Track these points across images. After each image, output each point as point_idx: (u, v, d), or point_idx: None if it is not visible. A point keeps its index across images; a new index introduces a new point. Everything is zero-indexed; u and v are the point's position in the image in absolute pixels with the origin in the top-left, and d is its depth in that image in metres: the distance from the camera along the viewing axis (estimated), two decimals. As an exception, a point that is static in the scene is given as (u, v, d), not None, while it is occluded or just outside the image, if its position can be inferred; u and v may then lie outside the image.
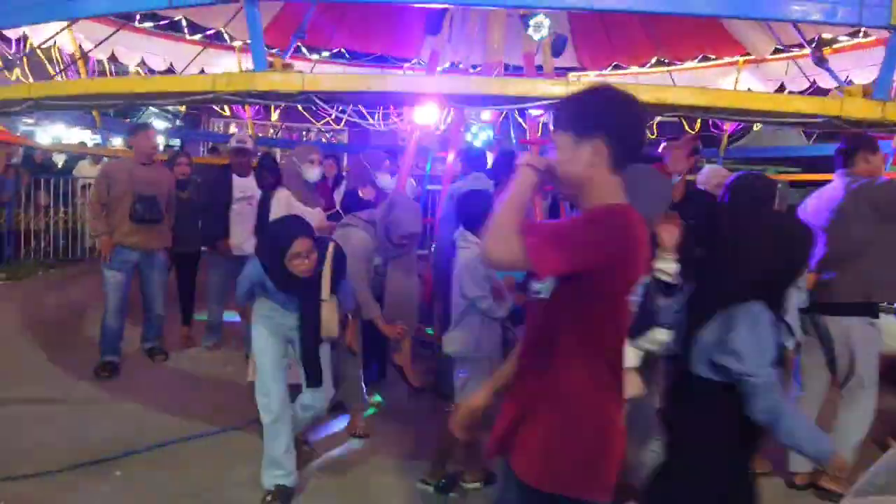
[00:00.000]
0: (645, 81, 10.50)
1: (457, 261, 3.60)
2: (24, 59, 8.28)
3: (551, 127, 1.88)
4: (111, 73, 9.26)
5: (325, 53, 10.30)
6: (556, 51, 6.67)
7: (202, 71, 8.98)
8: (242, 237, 5.64)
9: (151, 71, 8.97)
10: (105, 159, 8.72)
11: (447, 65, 9.92)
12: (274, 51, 9.53)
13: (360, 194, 5.53)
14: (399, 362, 4.40)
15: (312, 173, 5.25)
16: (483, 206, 3.47)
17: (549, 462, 1.74)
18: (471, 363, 3.52)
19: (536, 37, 6.28)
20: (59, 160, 12.23)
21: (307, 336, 3.40)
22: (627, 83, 10.33)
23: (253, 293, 3.56)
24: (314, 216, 4.87)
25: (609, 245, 1.64)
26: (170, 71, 9.05)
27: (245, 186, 5.74)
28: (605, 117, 1.71)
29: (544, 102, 3.49)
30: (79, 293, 7.96)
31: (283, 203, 5.03)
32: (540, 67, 6.74)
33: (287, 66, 3.67)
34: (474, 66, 7.62)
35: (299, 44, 9.37)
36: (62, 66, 8.36)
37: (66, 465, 3.70)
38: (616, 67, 10.57)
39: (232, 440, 4.19)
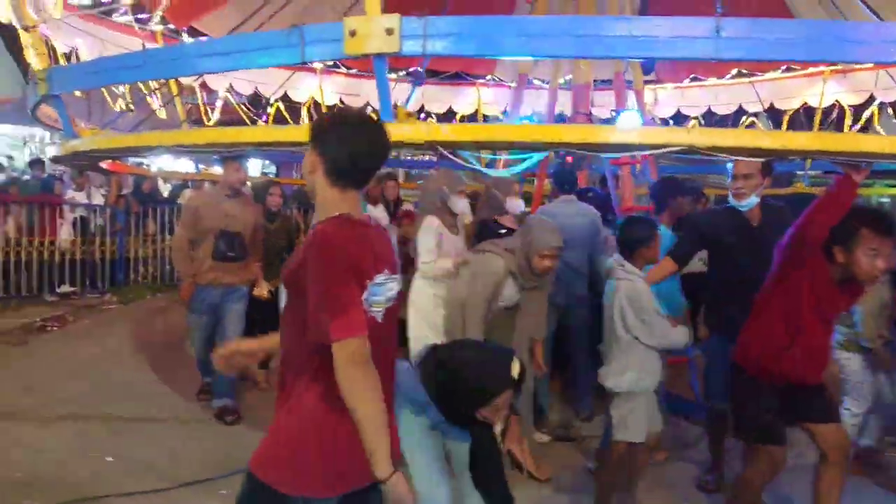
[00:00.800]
0: (724, 93, 10.22)
1: (615, 292, 3.42)
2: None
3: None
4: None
5: (401, 73, 10.47)
6: (647, 68, 6.52)
7: (286, 95, 9.41)
8: None
9: (239, 94, 9.40)
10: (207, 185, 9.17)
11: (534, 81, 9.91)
12: (352, 70, 10.02)
13: (500, 222, 5.00)
14: (511, 446, 4.05)
15: (460, 204, 4.52)
16: (647, 234, 3.40)
17: (265, 451, 1.90)
18: (629, 397, 3.37)
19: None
20: (165, 190, 12.91)
21: (482, 470, 2.69)
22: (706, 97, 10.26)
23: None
24: (458, 245, 4.42)
25: (345, 260, 1.77)
26: (256, 95, 9.55)
27: (376, 217, 5.21)
28: (326, 134, 1.91)
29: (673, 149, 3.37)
30: (183, 316, 8.26)
31: (434, 232, 4.28)
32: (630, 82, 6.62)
33: (410, 116, 3.70)
34: (564, 82, 7.51)
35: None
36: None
37: (173, 482, 3.75)
38: (694, 80, 10.25)
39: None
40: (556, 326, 5.01)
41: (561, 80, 7.45)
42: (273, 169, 16.54)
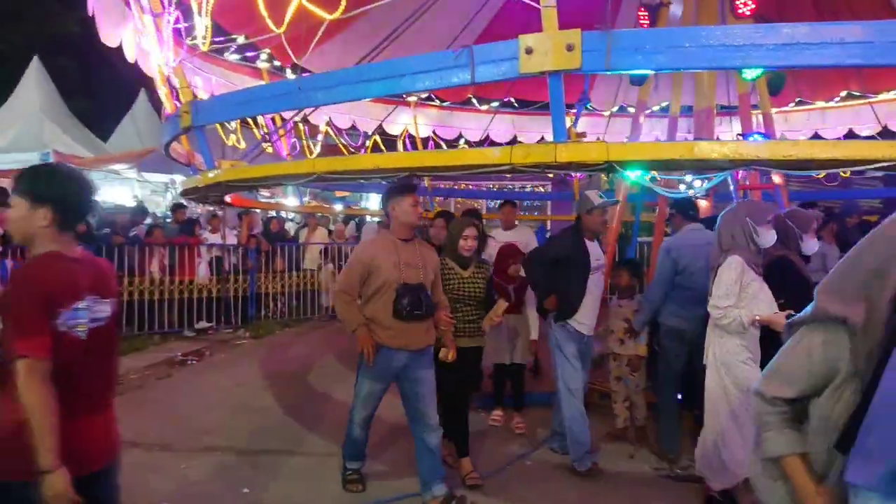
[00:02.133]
0: (832, 117, 9.50)
1: None
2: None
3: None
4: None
5: (495, 103, 10.46)
6: (775, 89, 6.10)
7: (380, 126, 9.64)
8: (590, 319, 4.75)
9: (338, 129, 9.72)
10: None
11: (655, 108, 9.61)
12: (445, 103, 10.09)
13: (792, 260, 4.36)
14: None
15: (768, 238, 3.80)
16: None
17: None
18: None
19: (750, 76, 5.78)
20: (291, 228, 13.48)
21: None
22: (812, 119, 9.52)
23: None
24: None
25: (25, 290, 2.13)
26: (353, 128, 9.86)
27: (598, 253, 4.80)
28: (45, 186, 2.25)
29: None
30: (310, 348, 8.71)
31: (736, 273, 3.67)
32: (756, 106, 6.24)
33: (580, 136, 3.61)
34: (686, 109, 7.19)
35: (470, 94, 9.85)
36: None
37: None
38: (800, 103, 9.58)
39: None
40: (688, 359, 4.73)
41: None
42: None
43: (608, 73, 4.22)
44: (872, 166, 3.20)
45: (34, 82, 14.83)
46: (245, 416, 5.73)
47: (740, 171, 4.76)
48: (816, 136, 9.68)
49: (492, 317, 4.61)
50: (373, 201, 17.51)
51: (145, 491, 4.13)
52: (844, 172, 6.39)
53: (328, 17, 5.16)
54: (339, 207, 14.16)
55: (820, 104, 9.67)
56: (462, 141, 10.47)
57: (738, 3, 5.52)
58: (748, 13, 5.48)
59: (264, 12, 5.48)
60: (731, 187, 5.94)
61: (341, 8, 5.14)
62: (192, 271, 9.75)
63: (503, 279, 5.35)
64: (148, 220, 11.63)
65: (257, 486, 4.25)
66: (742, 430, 3.65)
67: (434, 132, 10.23)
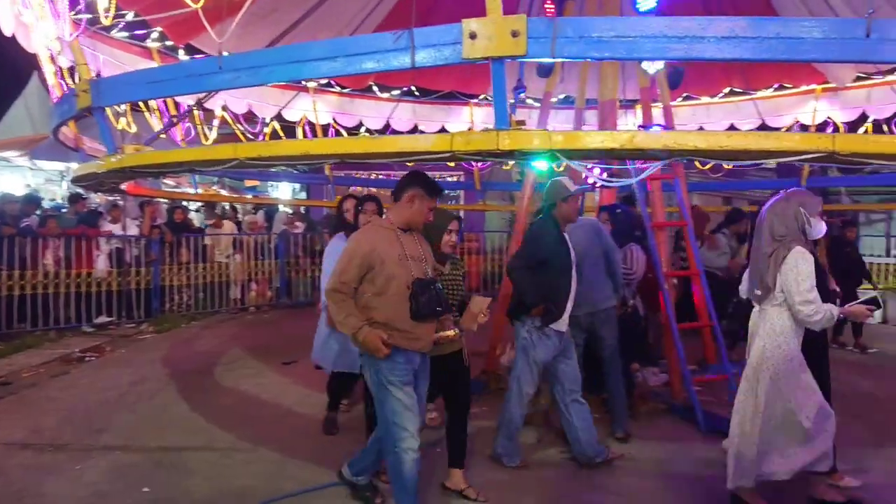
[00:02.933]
0: (717, 111, 10.18)
1: None
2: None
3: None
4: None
5: (396, 92, 10.46)
6: (673, 83, 6.43)
7: (279, 114, 9.50)
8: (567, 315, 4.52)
9: (234, 114, 9.52)
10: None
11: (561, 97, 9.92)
12: (346, 90, 10.01)
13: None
14: None
15: (820, 228, 3.72)
16: None
17: None
18: None
19: (652, 70, 6.09)
20: (197, 219, 13.12)
21: None
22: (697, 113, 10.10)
23: None
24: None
25: None
26: (251, 114, 9.67)
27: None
28: None
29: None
30: (217, 342, 8.53)
31: (811, 264, 3.52)
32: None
33: (520, 123, 3.50)
34: (589, 102, 7.46)
35: (371, 82, 9.81)
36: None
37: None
38: (686, 98, 10.18)
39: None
40: (585, 343, 4.97)
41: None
42: (304, 194, 16.71)
43: (553, 60, 4.19)
44: (800, 157, 3.30)
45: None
46: (146, 413, 5.60)
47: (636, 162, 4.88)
48: (701, 130, 10.27)
49: (478, 314, 3.83)
50: (283, 190, 17.21)
51: (38, 493, 4.00)
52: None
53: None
54: (248, 196, 13.88)
55: (705, 99, 10.21)
56: (363, 129, 10.41)
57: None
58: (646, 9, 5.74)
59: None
60: (634, 178, 6.23)
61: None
62: (90, 263, 9.36)
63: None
64: (39, 212, 11.03)
65: (157, 484, 4.17)
66: (776, 431, 3.62)
67: (334, 119, 10.08)
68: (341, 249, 3.63)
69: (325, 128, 9.96)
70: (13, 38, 6.54)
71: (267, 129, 9.89)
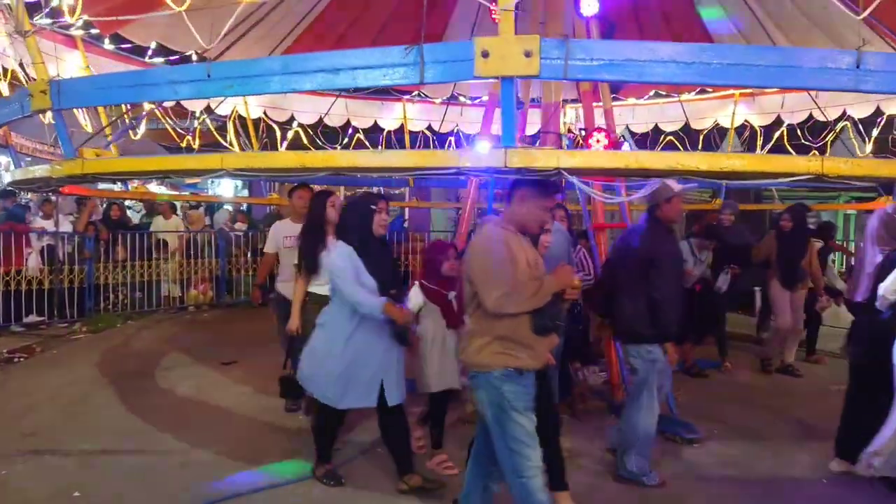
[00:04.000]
0: (641, 113, 10.61)
1: None
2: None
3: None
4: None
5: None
6: (615, 87, 6.59)
7: (208, 107, 9.34)
8: None
9: (162, 107, 9.23)
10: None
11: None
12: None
13: None
14: None
15: None
16: None
17: None
18: None
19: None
20: (134, 217, 12.76)
21: None
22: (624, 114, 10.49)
23: None
24: None
25: None
26: (179, 107, 9.40)
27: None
28: None
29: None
30: (154, 342, 8.34)
31: None
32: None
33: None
34: (533, 100, 7.57)
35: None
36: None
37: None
38: (614, 99, 10.52)
39: (301, 489, 4.12)
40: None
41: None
42: (246, 192, 16.46)
43: (566, 80, 4.22)
44: (792, 178, 3.36)
45: None
46: (78, 415, 5.43)
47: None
48: (627, 130, 10.75)
49: None
50: (224, 187, 16.88)
51: (-40, 500, 3.86)
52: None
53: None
54: (186, 193, 13.53)
55: (631, 101, 10.55)
56: (295, 123, 10.26)
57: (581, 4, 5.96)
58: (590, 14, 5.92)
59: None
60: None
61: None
62: (20, 261, 9.00)
63: (439, 284, 4.43)
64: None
65: (89, 488, 4.07)
66: None
67: (265, 113, 9.87)
68: (352, 260, 3.77)
69: (256, 122, 9.74)
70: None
71: (197, 125, 9.58)
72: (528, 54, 3.14)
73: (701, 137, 10.28)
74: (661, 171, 3.55)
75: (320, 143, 10.36)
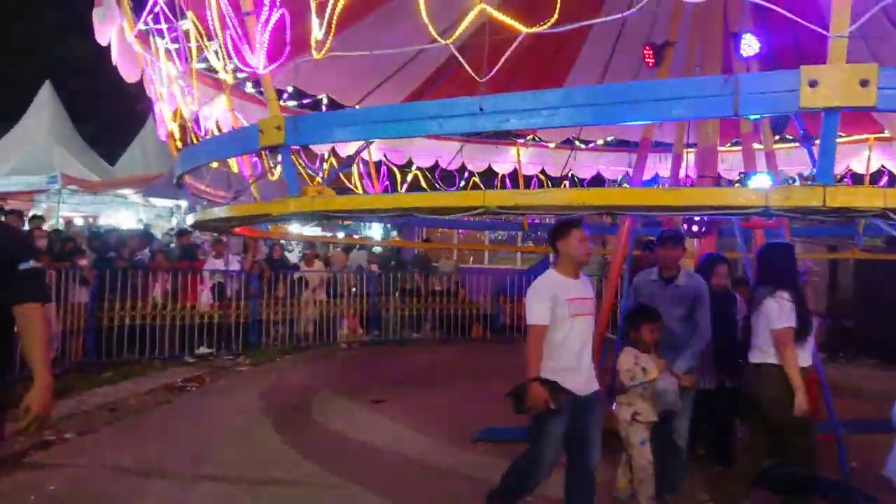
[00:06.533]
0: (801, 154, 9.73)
1: None
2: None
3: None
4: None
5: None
6: (778, 128, 6.19)
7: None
8: None
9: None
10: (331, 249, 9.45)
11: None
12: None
13: None
14: None
15: None
16: None
17: None
18: None
19: (752, 117, 5.86)
20: (293, 256, 13.58)
21: None
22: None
23: None
24: None
25: None
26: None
27: None
28: None
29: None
30: (308, 377, 8.79)
31: None
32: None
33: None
34: (689, 145, 7.27)
35: None
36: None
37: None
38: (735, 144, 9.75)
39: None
40: None
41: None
42: (394, 232, 17.03)
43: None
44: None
45: (44, 106, 15.09)
46: (243, 444, 5.75)
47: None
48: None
49: None
50: (375, 230, 17.57)
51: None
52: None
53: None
54: (341, 235, 14.26)
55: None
56: (414, 167, 10.52)
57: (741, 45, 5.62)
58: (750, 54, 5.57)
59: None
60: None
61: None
62: (195, 296, 9.82)
63: None
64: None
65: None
66: None
67: (385, 156, 10.03)
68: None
69: (378, 165, 10.04)
70: (132, 85, 6.85)
71: (325, 166, 9.85)
72: (864, 84, 2.94)
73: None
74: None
75: (438, 186, 10.60)
